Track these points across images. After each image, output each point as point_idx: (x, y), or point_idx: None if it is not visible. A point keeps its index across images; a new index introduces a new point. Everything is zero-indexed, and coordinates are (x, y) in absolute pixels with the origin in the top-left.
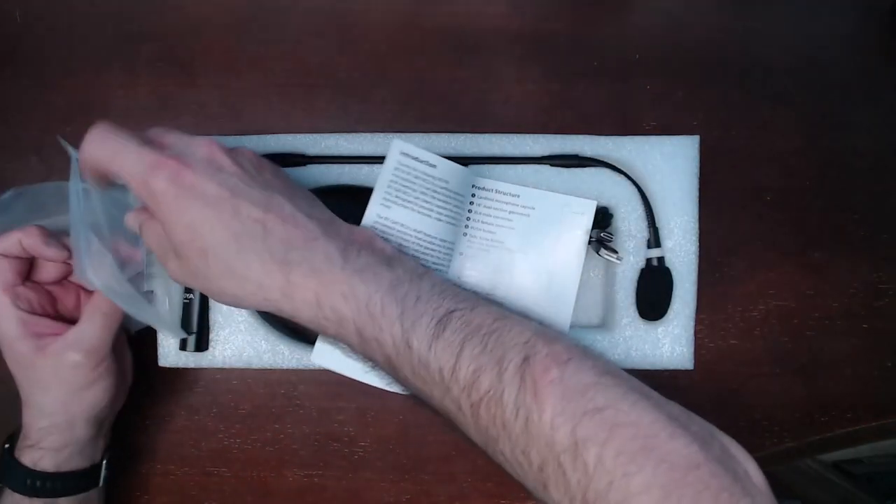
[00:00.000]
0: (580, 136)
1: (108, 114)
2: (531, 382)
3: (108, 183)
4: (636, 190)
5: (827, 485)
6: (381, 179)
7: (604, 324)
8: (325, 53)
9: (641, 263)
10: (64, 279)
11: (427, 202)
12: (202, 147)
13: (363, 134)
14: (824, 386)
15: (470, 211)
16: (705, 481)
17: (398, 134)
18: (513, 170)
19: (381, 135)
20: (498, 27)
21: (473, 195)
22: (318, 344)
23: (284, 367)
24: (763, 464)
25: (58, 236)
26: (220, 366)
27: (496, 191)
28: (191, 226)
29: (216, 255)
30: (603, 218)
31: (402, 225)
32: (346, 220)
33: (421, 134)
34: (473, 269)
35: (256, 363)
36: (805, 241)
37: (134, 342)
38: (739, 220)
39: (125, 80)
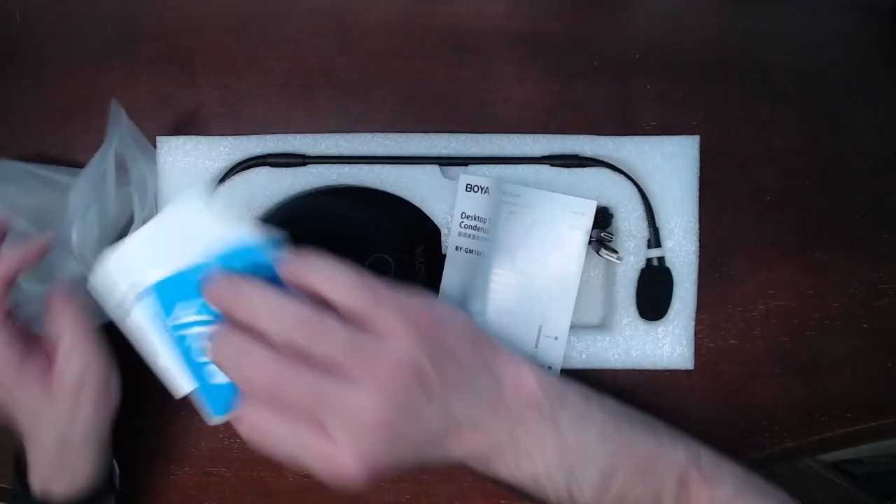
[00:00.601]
0: (580, 136)
1: (107, 114)
2: None
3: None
4: (636, 190)
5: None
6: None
7: (604, 324)
8: (325, 53)
9: (641, 263)
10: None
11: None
12: (366, 418)
13: (363, 134)
14: (824, 386)
15: (464, 214)
16: None
17: (398, 134)
18: (513, 170)
19: (381, 135)
20: (498, 27)
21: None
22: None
23: None
24: (763, 464)
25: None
26: None
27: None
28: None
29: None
30: (603, 218)
31: None
32: (346, 219)
33: (421, 134)
34: (474, 269)
35: None
36: (805, 241)
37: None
38: (739, 220)
39: (125, 80)
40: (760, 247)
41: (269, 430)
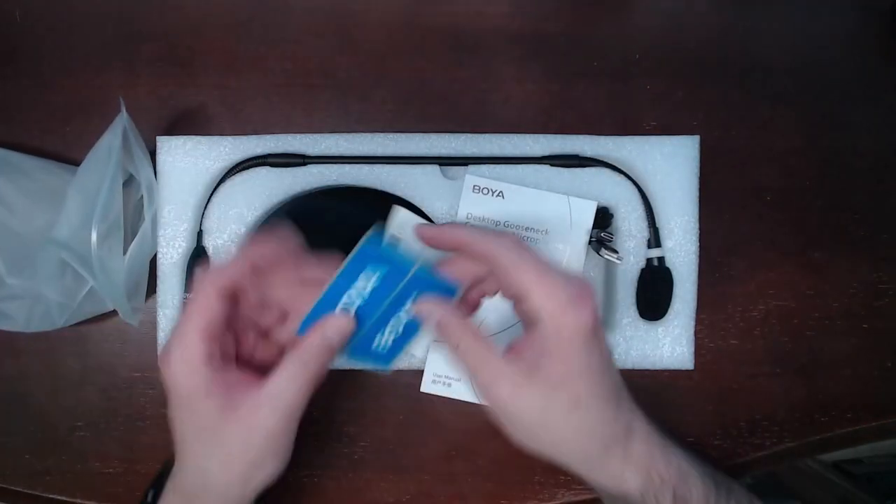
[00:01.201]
0: (580, 136)
1: (108, 114)
2: None
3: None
4: (636, 190)
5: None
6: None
7: (604, 324)
8: (325, 53)
9: (641, 263)
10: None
11: None
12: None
13: (363, 134)
14: (824, 386)
15: (469, 214)
16: None
17: (398, 134)
18: (513, 170)
19: (381, 135)
20: (498, 27)
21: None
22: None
23: None
24: (763, 464)
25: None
26: None
27: (495, 191)
28: (570, 374)
29: (579, 407)
30: (603, 218)
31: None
32: (346, 219)
33: (421, 134)
34: None
35: None
36: (805, 241)
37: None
38: (739, 220)
39: (125, 80)
40: (760, 247)
41: None
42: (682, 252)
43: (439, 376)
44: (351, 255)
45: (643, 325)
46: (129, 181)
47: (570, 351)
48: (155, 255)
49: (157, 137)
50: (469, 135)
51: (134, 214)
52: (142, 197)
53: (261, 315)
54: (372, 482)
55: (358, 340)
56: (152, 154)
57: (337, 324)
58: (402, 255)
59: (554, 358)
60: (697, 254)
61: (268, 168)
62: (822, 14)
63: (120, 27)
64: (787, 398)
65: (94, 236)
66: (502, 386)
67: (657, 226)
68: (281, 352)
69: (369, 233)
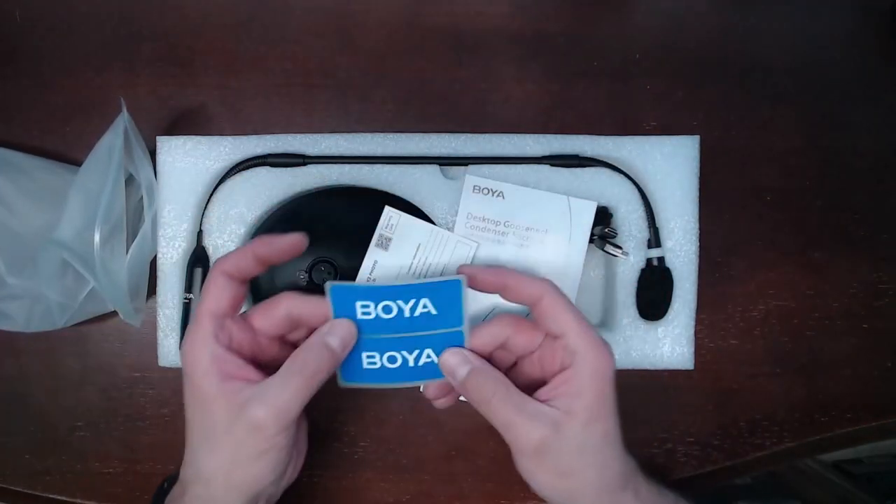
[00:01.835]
0: (580, 136)
1: (108, 114)
2: None
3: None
4: (636, 190)
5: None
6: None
7: (604, 324)
8: (325, 53)
9: (641, 263)
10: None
11: None
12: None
13: (363, 134)
14: (824, 386)
15: (469, 214)
16: None
17: (398, 134)
18: (513, 170)
19: (381, 135)
20: (498, 27)
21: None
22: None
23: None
24: (763, 464)
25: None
26: None
27: (495, 191)
28: (613, 408)
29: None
30: (603, 218)
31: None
32: (346, 220)
33: (421, 134)
34: None
35: None
36: (805, 241)
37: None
38: (739, 220)
39: (125, 80)
40: (760, 247)
41: None
42: (682, 252)
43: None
44: (428, 281)
45: (643, 325)
46: (128, 181)
47: (603, 387)
48: (155, 256)
49: (157, 137)
50: (469, 135)
51: (134, 215)
52: (142, 197)
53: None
54: (372, 482)
55: (355, 353)
56: (152, 154)
57: (340, 328)
58: (460, 312)
59: (589, 393)
60: (697, 254)
61: (268, 168)
62: (822, 14)
63: (120, 27)
64: (787, 398)
65: (97, 237)
66: (540, 427)
67: (657, 226)
68: None
69: (457, 277)
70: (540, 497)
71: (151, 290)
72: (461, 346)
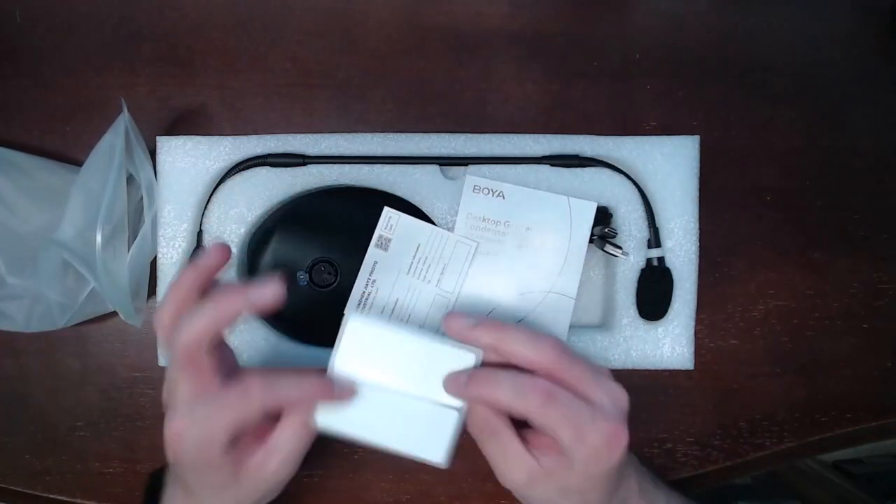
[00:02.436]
0: (580, 136)
1: (108, 114)
2: None
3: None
4: (636, 190)
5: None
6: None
7: (604, 324)
8: (325, 53)
9: (641, 263)
10: None
11: None
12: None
13: (363, 134)
14: (824, 386)
15: (469, 214)
16: None
17: (398, 134)
18: (513, 170)
19: (381, 135)
20: (498, 27)
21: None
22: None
23: (285, 367)
24: (763, 464)
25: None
26: None
27: (495, 192)
28: (603, 486)
29: None
30: (603, 218)
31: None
32: (346, 219)
33: (421, 134)
34: (474, 270)
35: (257, 363)
36: (805, 241)
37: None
38: (739, 220)
39: (125, 80)
40: (760, 247)
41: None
42: (682, 252)
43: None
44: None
45: (643, 325)
46: (129, 181)
47: (595, 479)
48: (155, 256)
49: (157, 137)
50: (469, 135)
51: (134, 215)
52: (142, 198)
53: None
54: (372, 482)
55: None
56: (152, 154)
57: (339, 390)
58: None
59: (575, 474)
60: (697, 254)
61: (268, 168)
62: (822, 14)
63: (120, 27)
64: (787, 398)
65: (98, 238)
66: (520, 473)
67: (657, 226)
68: None
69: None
70: None
71: (151, 290)
72: (452, 426)
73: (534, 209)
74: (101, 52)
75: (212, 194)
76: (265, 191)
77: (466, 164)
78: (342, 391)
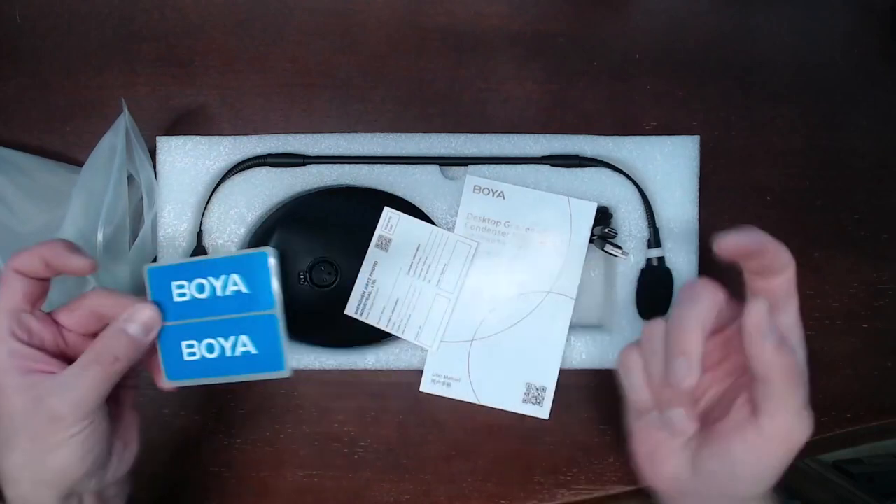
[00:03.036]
0: (580, 136)
1: (108, 114)
2: None
3: None
4: (636, 190)
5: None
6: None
7: (604, 324)
8: (325, 53)
9: (641, 263)
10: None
11: None
12: None
13: (363, 134)
14: (824, 386)
15: (470, 214)
16: None
17: (398, 134)
18: (513, 170)
19: (381, 135)
20: (498, 27)
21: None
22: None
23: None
24: None
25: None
26: None
27: (496, 192)
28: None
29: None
30: (603, 218)
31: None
32: (346, 219)
33: (421, 134)
34: (475, 270)
35: None
36: (805, 241)
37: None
38: (739, 220)
39: (125, 80)
40: None
41: None
42: (682, 252)
43: (438, 376)
44: (236, 254)
45: (643, 325)
46: (129, 181)
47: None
48: (155, 256)
49: (157, 137)
50: (469, 135)
51: (135, 215)
52: (142, 198)
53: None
54: (372, 482)
55: (168, 339)
56: (152, 154)
57: (140, 313)
58: (270, 291)
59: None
60: (697, 254)
61: (268, 168)
62: (822, 14)
63: (120, 27)
64: None
65: (100, 238)
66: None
67: (657, 226)
68: None
69: (263, 249)
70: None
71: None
72: (276, 332)
73: (534, 209)
74: (101, 52)
75: (212, 194)
76: (265, 191)
77: (466, 164)
78: None
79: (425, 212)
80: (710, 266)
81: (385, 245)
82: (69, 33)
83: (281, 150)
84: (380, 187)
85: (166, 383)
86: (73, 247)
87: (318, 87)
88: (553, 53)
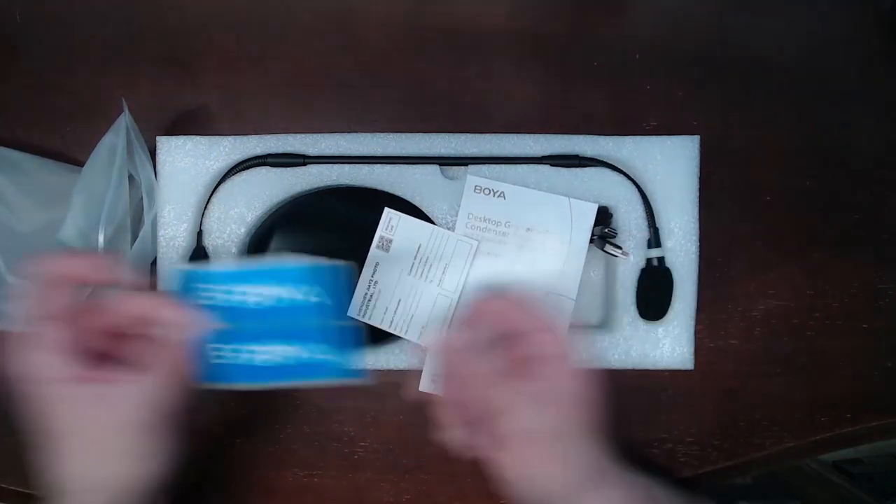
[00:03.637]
0: (580, 136)
1: (108, 114)
2: None
3: None
4: (636, 190)
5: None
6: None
7: (604, 324)
8: (325, 53)
9: (641, 263)
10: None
11: None
12: None
13: (363, 134)
14: (824, 386)
15: (470, 214)
16: None
17: (398, 134)
18: (513, 170)
19: (381, 135)
20: (498, 27)
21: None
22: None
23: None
24: (763, 464)
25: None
26: None
27: (496, 192)
28: None
29: None
30: (603, 218)
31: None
32: (346, 219)
33: (421, 134)
34: (476, 270)
35: None
36: (805, 241)
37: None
38: (739, 220)
39: (125, 80)
40: (760, 247)
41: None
42: (682, 252)
43: (438, 375)
44: (301, 264)
45: (643, 325)
46: (129, 181)
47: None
48: (155, 256)
49: (157, 137)
50: (469, 135)
51: (135, 216)
52: (142, 198)
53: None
54: (372, 482)
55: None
56: (152, 154)
57: (191, 322)
58: (347, 302)
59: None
60: (697, 254)
61: (268, 168)
62: (822, 14)
63: (120, 27)
64: (787, 398)
65: (101, 239)
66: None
67: (657, 226)
68: None
69: (341, 263)
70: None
71: (152, 290)
72: (356, 341)
73: (535, 210)
74: (101, 52)
75: (212, 194)
76: (265, 191)
77: (466, 164)
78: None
79: (425, 212)
80: (711, 266)
81: (386, 246)
82: (69, 34)
83: (281, 150)
84: (380, 187)
85: (201, 384)
86: (120, 259)
87: (318, 87)
88: (553, 53)
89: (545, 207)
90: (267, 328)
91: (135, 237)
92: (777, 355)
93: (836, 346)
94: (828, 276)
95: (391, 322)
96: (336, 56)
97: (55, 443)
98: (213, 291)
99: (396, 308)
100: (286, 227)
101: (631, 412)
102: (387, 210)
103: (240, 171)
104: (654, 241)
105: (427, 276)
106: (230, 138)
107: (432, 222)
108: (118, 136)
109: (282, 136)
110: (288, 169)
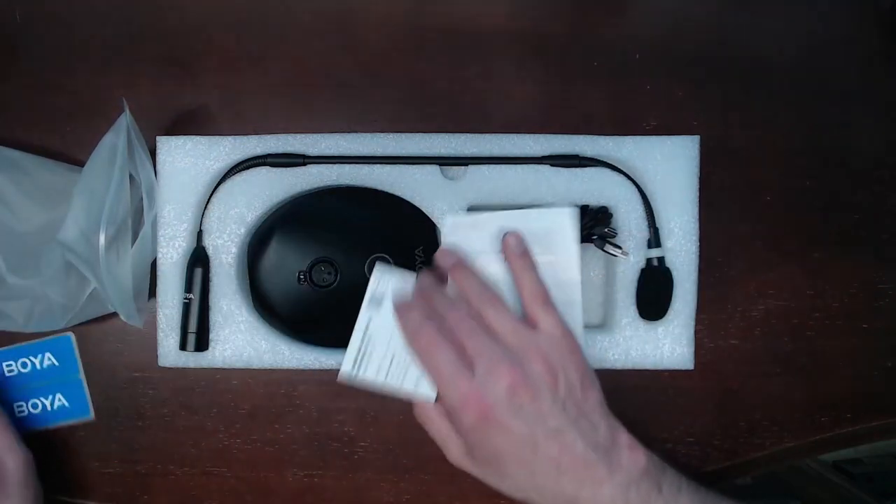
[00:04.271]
0: (580, 136)
1: (108, 114)
2: None
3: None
4: (636, 190)
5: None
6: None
7: (604, 324)
8: (325, 53)
9: (641, 263)
10: None
11: None
12: (504, 379)
13: (363, 134)
14: (824, 386)
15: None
16: None
17: (398, 134)
18: (513, 170)
19: (381, 135)
20: (498, 27)
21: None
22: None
23: (284, 367)
24: (763, 464)
25: None
26: (220, 366)
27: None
28: (493, 455)
29: (512, 478)
30: (603, 218)
31: None
32: (346, 219)
33: (421, 134)
34: None
35: (256, 363)
36: (805, 241)
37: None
38: (739, 220)
39: (125, 80)
40: (760, 247)
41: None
42: (682, 252)
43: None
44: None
45: (643, 325)
46: (129, 181)
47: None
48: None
49: (157, 137)
50: (469, 135)
51: (135, 216)
52: (142, 198)
53: None
54: (372, 482)
55: None
56: (152, 153)
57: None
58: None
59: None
60: (697, 254)
61: (268, 168)
62: (822, 14)
63: (120, 27)
64: (787, 398)
65: (102, 239)
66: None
67: (657, 226)
68: None
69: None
70: None
71: (152, 290)
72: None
73: (516, 231)
74: (102, 52)
75: (212, 194)
76: (265, 191)
77: (466, 164)
78: None
79: (425, 211)
80: (711, 266)
81: (378, 302)
82: (69, 34)
83: (281, 150)
84: (380, 187)
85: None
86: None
87: (318, 87)
88: (553, 53)
89: (522, 226)
90: None
91: (135, 237)
92: (777, 355)
93: (836, 346)
94: (828, 276)
95: (387, 376)
96: (336, 56)
97: None
98: None
99: (391, 361)
100: (286, 227)
101: (631, 412)
102: (377, 267)
103: (240, 171)
104: (654, 241)
105: None
106: (230, 138)
107: (432, 222)
108: (119, 136)
109: (282, 136)
110: (288, 169)
